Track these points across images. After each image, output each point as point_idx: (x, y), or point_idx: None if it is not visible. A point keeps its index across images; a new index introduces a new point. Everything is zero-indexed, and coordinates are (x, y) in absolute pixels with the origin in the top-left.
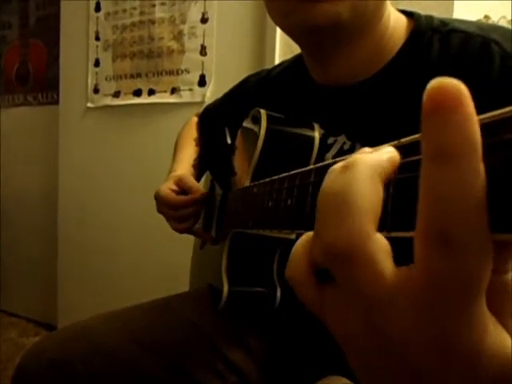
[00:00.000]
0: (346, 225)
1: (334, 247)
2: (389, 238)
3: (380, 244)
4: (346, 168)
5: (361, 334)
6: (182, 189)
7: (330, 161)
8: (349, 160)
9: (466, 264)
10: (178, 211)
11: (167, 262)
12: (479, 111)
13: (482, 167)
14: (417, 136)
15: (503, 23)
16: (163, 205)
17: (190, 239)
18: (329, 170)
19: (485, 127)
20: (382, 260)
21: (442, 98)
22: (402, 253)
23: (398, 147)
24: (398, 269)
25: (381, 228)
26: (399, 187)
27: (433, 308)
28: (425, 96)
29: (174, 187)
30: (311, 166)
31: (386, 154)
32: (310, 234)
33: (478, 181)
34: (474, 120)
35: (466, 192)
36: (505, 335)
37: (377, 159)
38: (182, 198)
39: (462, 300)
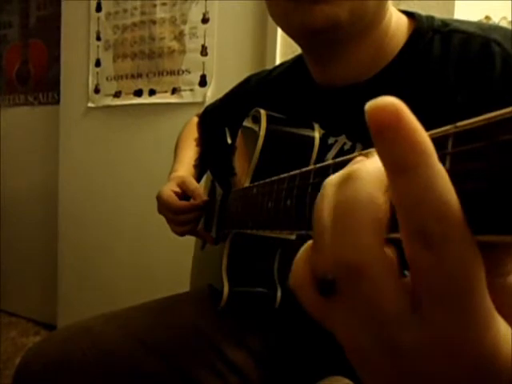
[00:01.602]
0: (355, 238)
1: (343, 261)
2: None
3: (389, 256)
4: (348, 179)
5: (370, 346)
6: (185, 191)
7: (330, 161)
8: (349, 170)
9: (449, 260)
10: (178, 216)
11: (168, 262)
12: (480, 111)
13: (440, 168)
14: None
15: (504, 24)
16: (164, 207)
17: (190, 239)
18: (325, 182)
19: (460, 135)
20: (391, 274)
21: (380, 119)
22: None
23: None
24: (403, 280)
25: None
26: None
27: (432, 310)
28: (366, 118)
29: (177, 189)
30: (311, 167)
31: None
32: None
33: (438, 182)
34: (417, 129)
35: (430, 194)
36: None
37: (378, 166)
38: (184, 203)
39: (457, 298)
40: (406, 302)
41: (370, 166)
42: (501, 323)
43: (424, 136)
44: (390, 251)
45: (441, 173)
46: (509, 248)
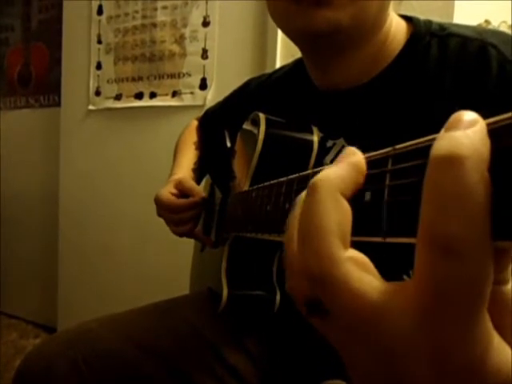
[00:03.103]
0: (314, 249)
1: (308, 273)
2: (383, 245)
3: (354, 261)
4: (309, 192)
5: (360, 353)
6: (182, 192)
7: (329, 165)
8: (310, 184)
9: (469, 270)
10: (177, 214)
11: (167, 265)
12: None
13: (486, 175)
14: (412, 142)
15: (504, 28)
16: (163, 208)
17: (190, 242)
18: (296, 199)
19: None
20: (359, 277)
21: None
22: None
23: (392, 155)
24: (384, 283)
25: (375, 234)
26: (394, 193)
27: (434, 317)
28: None
29: (174, 191)
30: (309, 171)
31: (347, 165)
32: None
33: (482, 187)
34: (478, 126)
35: (470, 198)
36: (508, 350)
37: (337, 176)
38: (182, 201)
39: (464, 309)
40: (391, 303)
41: (327, 175)
42: (492, 332)
43: (484, 136)
44: (357, 254)
45: (486, 180)
46: (503, 257)
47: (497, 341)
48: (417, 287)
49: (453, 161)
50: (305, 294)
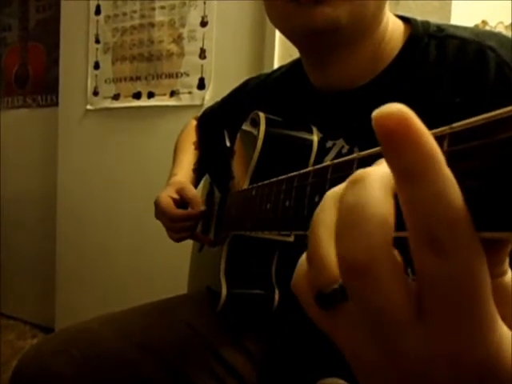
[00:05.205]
0: (365, 237)
1: (353, 261)
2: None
3: (397, 258)
4: (356, 181)
5: (374, 357)
6: (183, 199)
7: (328, 163)
8: (357, 173)
9: (459, 266)
10: (174, 223)
11: (166, 265)
12: (473, 117)
13: (448, 174)
14: None
15: (501, 28)
16: (161, 213)
17: (188, 241)
18: (326, 195)
19: (456, 136)
20: (399, 276)
21: (388, 125)
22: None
23: None
24: (409, 283)
25: None
26: None
27: (438, 318)
28: (374, 125)
29: (175, 195)
30: (309, 168)
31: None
32: None
33: (448, 188)
34: (425, 136)
35: (440, 201)
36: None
37: (385, 171)
38: (181, 212)
39: (465, 304)
40: (411, 308)
41: (375, 170)
42: (502, 326)
43: (432, 141)
44: (397, 253)
45: (449, 178)
46: (503, 249)
47: (506, 334)
48: (419, 290)
49: (412, 176)
50: (322, 283)
